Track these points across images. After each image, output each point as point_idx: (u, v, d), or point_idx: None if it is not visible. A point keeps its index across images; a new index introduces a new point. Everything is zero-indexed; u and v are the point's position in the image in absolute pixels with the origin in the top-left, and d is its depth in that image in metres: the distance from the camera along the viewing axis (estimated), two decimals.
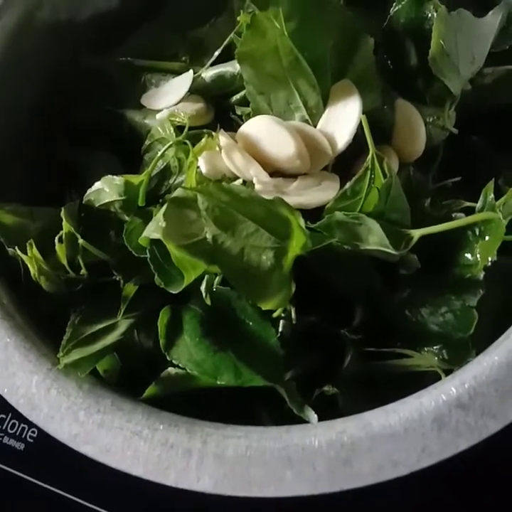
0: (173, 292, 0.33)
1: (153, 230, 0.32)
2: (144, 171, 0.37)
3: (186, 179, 0.37)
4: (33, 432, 0.48)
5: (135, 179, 0.37)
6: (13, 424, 0.49)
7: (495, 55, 0.41)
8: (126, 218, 0.37)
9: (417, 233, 0.33)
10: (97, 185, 0.38)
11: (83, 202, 0.38)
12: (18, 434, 0.48)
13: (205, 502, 0.43)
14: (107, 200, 0.37)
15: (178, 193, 0.35)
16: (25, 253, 0.36)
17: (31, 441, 0.48)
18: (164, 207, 0.33)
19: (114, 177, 0.37)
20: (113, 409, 0.32)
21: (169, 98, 0.42)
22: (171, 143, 0.38)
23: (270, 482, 0.31)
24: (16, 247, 0.36)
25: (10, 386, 0.33)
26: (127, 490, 0.46)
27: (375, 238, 0.32)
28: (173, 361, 0.33)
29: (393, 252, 0.32)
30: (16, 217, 0.37)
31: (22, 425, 0.49)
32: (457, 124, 0.40)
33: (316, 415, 0.33)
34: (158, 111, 0.41)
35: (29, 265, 0.36)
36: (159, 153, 0.38)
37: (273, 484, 0.30)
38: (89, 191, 0.38)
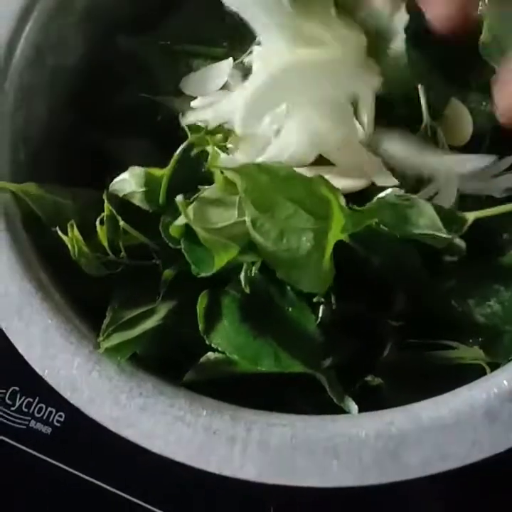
0: (205, 274, 0.33)
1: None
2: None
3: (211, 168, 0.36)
4: (60, 416, 0.48)
5: (157, 172, 0.36)
6: (40, 408, 0.48)
7: None
8: (148, 210, 0.36)
9: (471, 216, 0.32)
10: (123, 175, 0.37)
11: (109, 191, 0.37)
12: (45, 418, 0.48)
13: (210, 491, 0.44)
14: (128, 191, 0.37)
15: (207, 193, 0.35)
16: (66, 234, 0.35)
17: (58, 425, 0.48)
18: (193, 203, 0.34)
19: (136, 168, 0.37)
20: (155, 393, 0.32)
21: (209, 85, 0.41)
22: (194, 137, 0.37)
23: (315, 472, 0.30)
24: (57, 228, 0.35)
25: (51, 368, 0.33)
26: (155, 476, 0.46)
27: (426, 221, 0.31)
28: (213, 345, 0.33)
29: (445, 235, 0.31)
30: (56, 197, 0.37)
31: (49, 409, 0.48)
32: None
33: (356, 406, 0.33)
34: (195, 97, 0.41)
35: (69, 246, 0.35)
36: (181, 147, 0.37)
37: (318, 474, 0.30)
38: (114, 181, 0.37)
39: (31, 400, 0.49)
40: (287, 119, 0.36)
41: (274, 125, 0.37)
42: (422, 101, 0.36)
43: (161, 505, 0.45)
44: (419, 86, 0.36)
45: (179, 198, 0.32)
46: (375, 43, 0.38)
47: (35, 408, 0.49)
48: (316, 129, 0.36)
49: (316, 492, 0.41)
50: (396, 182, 0.36)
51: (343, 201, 0.32)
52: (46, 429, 0.48)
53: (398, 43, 0.37)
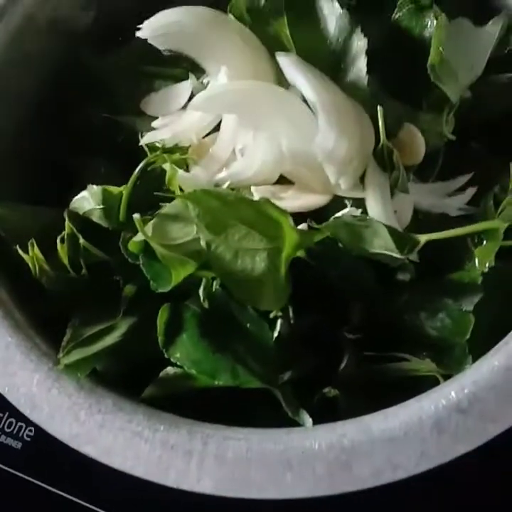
0: (163, 290, 0.34)
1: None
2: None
3: (169, 186, 0.37)
4: (30, 430, 0.48)
5: (115, 189, 0.37)
6: (10, 423, 0.49)
7: (495, 63, 0.42)
8: (107, 227, 0.37)
9: (423, 238, 0.33)
10: (82, 193, 0.38)
11: (69, 208, 0.38)
12: (15, 432, 0.48)
13: (203, 504, 0.44)
14: (87, 208, 0.37)
15: (167, 209, 0.35)
16: (27, 252, 0.36)
17: (28, 439, 0.48)
18: (153, 220, 0.34)
19: (94, 186, 0.37)
20: (114, 409, 0.33)
21: (168, 105, 0.42)
22: (152, 156, 0.37)
23: (270, 484, 0.31)
24: (18, 246, 0.36)
25: (11, 385, 0.33)
26: (125, 490, 0.45)
27: (380, 241, 0.33)
28: (172, 359, 0.34)
29: (398, 256, 0.32)
30: (18, 215, 0.37)
31: (19, 424, 0.49)
32: (456, 131, 0.41)
33: (310, 419, 0.34)
34: (157, 118, 0.42)
35: (30, 264, 0.36)
36: (139, 166, 0.37)
37: (273, 486, 0.31)
38: (74, 199, 0.38)
39: (1, 415, 0.49)
40: (254, 137, 0.37)
41: (239, 145, 0.38)
42: (380, 122, 0.37)
43: None
44: (379, 107, 0.36)
45: (136, 215, 0.33)
46: (335, 64, 0.39)
47: (5, 423, 0.49)
48: (281, 147, 0.37)
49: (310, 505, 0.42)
50: (362, 194, 0.36)
51: (291, 221, 0.32)
52: (16, 444, 0.48)
53: (359, 65, 0.38)
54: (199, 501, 0.42)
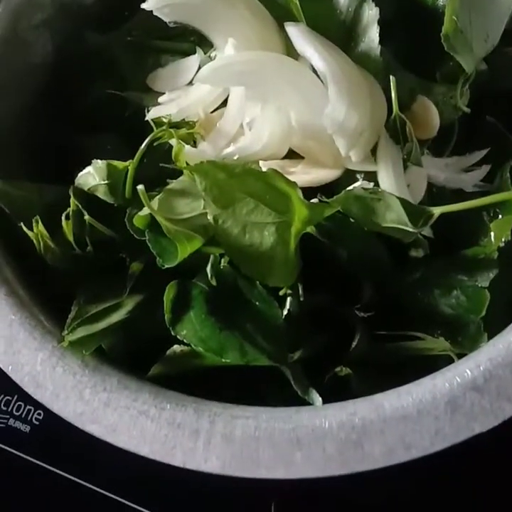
0: (169, 265, 0.33)
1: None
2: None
3: (176, 162, 0.36)
4: (39, 414, 0.48)
5: (120, 164, 0.36)
6: (19, 406, 0.48)
7: (510, 34, 0.40)
8: (112, 203, 0.36)
9: (437, 210, 0.32)
10: (87, 169, 0.37)
11: (74, 185, 0.37)
12: (23, 416, 0.48)
13: (210, 486, 0.43)
14: (92, 184, 0.36)
15: (174, 184, 0.35)
16: (32, 229, 0.35)
17: (37, 423, 0.48)
18: (159, 195, 0.34)
19: (99, 161, 0.36)
20: (119, 387, 0.32)
21: (175, 80, 0.41)
22: (158, 131, 0.37)
23: (279, 464, 0.30)
24: (22, 224, 0.35)
25: (14, 364, 0.33)
26: (133, 473, 0.45)
27: (392, 215, 0.31)
28: (178, 337, 0.33)
29: (411, 229, 0.31)
30: (23, 192, 0.37)
31: (28, 407, 0.48)
32: (472, 103, 0.39)
33: (320, 398, 0.33)
34: (163, 93, 0.41)
35: (35, 241, 0.35)
36: (145, 141, 0.37)
37: (282, 466, 0.30)
38: (79, 175, 0.37)
39: (10, 398, 0.49)
40: (262, 110, 0.36)
41: (247, 118, 0.37)
42: (393, 92, 0.36)
43: (144, 504, 0.45)
44: (391, 77, 0.36)
45: (140, 187, 0.32)
46: (346, 34, 0.38)
47: (13, 406, 0.48)
48: (289, 120, 0.36)
49: (316, 489, 0.42)
50: (374, 167, 0.35)
51: (300, 194, 0.31)
52: (25, 427, 0.48)
53: (371, 35, 0.37)
54: (206, 485, 0.42)
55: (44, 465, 0.47)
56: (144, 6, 0.38)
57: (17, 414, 0.48)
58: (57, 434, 0.47)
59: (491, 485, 0.41)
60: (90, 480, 0.46)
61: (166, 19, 0.38)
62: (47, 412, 0.48)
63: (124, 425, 0.31)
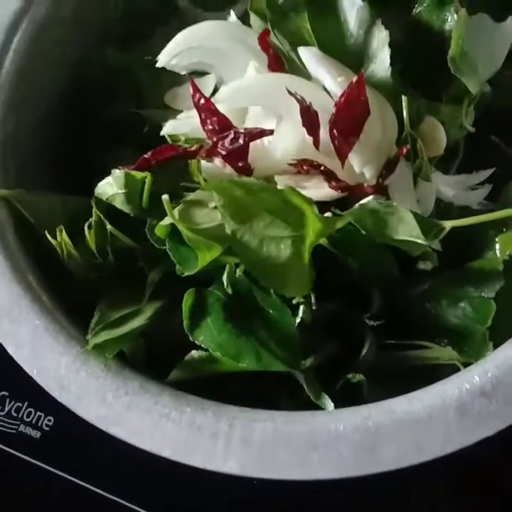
0: (189, 273, 0.34)
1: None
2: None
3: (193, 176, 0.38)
4: (49, 420, 0.49)
5: (137, 174, 0.37)
6: (30, 413, 0.49)
7: None
8: (129, 212, 0.37)
9: (448, 224, 0.33)
10: (106, 179, 0.38)
11: (95, 194, 0.38)
12: (34, 422, 0.49)
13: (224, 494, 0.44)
14: (110, 194, 0.37)
15: (192, 196, 0.36)
16: (55, 238, 0.36)
17: (47, 429, 0.49)
18: (179, 205, 0.35)
19: (117, 170, 0.37)
20: (141, 391, 0.33)
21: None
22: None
23: (296, 465, 0.31)
24: (46, 232, 0.36)
25: (39, 368, 0.34)
26: (143, 479, 0.46)
27: (405, 228, 0.33)
28: (196, 342, 0.34)
29: (423, 242, 0.32)
30: (47, 203, 0.38)
31: (38, 413, 0.49)
32: (477, 124, 0.41)
33: (332, 404, 0.34)
34: (181, 111, 0.42)
35: (58, 250, 0.36)
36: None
37: (299, 467, 0.31)
38: (99, 185, 0.38)
39: (20, 404, 0.49)
40: (276, 127, 0.38)
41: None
42: (404, 111, 0.37)
43: (153, 509, 0.46)
44: (403, 97, 0.37)
45: (165, 196, 0.33)
46: (357, 57, 0.40)
47: (24, 413, 0.49)
48: (303, 137, 0.37)
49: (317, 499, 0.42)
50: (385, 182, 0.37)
51: (315, 209, 0.33)
52: (36, 434, 0.49)
53: (382, 57, 0.39)
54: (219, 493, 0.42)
55: (54, 471, 0.47)
56: (158, 64, 0.41)
57: (27, 420, 0.49)
58: (67, 440, 0.48)
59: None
60: (100, 485, 0.47)
61: (179, 71, 0.41)
62: (57, 418, 0.50)
63: (146, 428, 0.32)
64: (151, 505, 0.46)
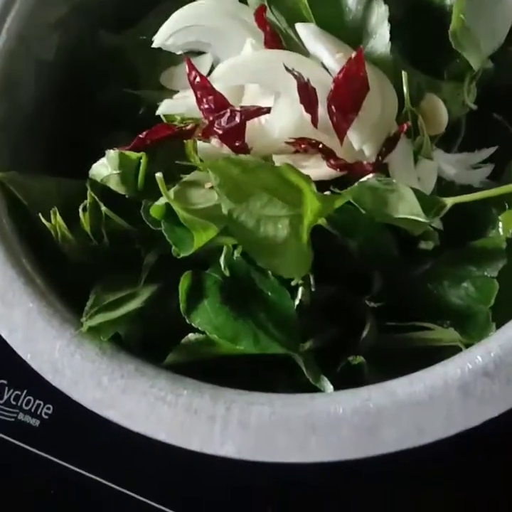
0: (185, 254, 0.34)
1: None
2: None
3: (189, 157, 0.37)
4: (48, 408, 0.48)
5: (132, 154, 0.36)
6: (29, 401, 0.49)
7: None
8: (124, 194, 0.37)
9: (449, 201, 0.33)
10: (101, 160, 0.37)
11: (90, 177, 0.38)
12: (33, 410, 0.48)
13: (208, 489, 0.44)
14: (105, 175, 0.37)
15: (188, 177, 0.35)
16: (50, 221, 0.36)
17: (46, 417, 0.48)
18: (175, 186, 0.34)
19: (111, 151, 0.37)
20: (137, 374, 0.32)
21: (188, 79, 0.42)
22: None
23: (294, 448, 0.30)
24: (40, 215, 0.36)
25: (33, 351, 0.33)
26: (143, 467, 0.46)
27: (405, 206, 0.32)
28: (193, 325, 0.34)
29: (423, 220, 0.32)
30: (41, 185, 0.37)
31: (37, 402, 0.49)
32: (479, 101, 0.40)
33: (331, 386, 0.34)
34: (177, 91, 0.41)
35: (52, 232, 0.36)
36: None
37: (297, 451, 0.30)
38: (93, 166, 0.38)
39: (19, 392, 0.49)
40: (274, 104, 0.37)
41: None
42: (405, 87, 0.37)
43: (152, 497, 0.45)
44: (403, 73, 0.37)
45: (159, 175, 0.33)
46: (356, 33, 0.39)
47: (23, 401, 0.49)
48: (301, 114, 0.36)
49: (313, 492, 0.42)
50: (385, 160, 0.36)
51: (313, 187, 0.32)
52: (34, 422, 0.48)
53: (381, 32, 0.38)
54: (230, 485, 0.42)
55: (53, 459, 0.47)
56: (154, 44, 0.40)
57: (26, 408, 0.49)
58: (67, 428, 0.47)
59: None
60: (99, 473, 0.46)
61: (176, 50, 0.40)
62: (56, 406, 0.50)
63: (142, 411, 0.32)
64: (151, 492, 0.45)
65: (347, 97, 0.35)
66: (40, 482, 0.47)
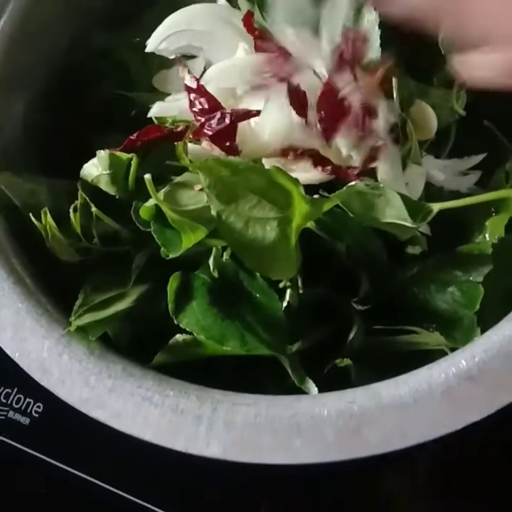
0: (174, 255, 0.34)
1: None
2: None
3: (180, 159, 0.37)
4: (38, 406, 0.49)
5: (123, 155, 0.37)
6: (19, 399, 0.49)
7: None
8: (114, 194, 0.37)
9: (436, 207, 0.33)
10: (92, 160, 0.38)
11: (81, 177, 0.38)
12: (23, 408, 0.49)
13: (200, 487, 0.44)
14: (95, 175, 0.37)
15: (178, 179, 0.36)
16: (41, 221, 0.36)
17: (36, 416, 0.48)
18: (165, 188, 0.34)
19: (102, 151, 0.37)
20: (124, 374, 0.33)
21: (181, 82, 0.41)
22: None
23: (279, 449, 0.31)
24: (31, 214, 0.36)
25: (21, 351, 0.33)
26: (133, 466, 0.46)
27: (392, 211, 0.32)
28: (181, 325, 0.34)
29: (410, 224, 0.32)
30: (32, 185, 0.38)
31: (27, 400, 0.49)
32: (469, 108, 0.41)
33: (316, 388, 0.34)
34: (169, 94, 0.42)
35: (43, 232, 0.36)
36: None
37: (282, 451, 0.31)
38: (84, 166, 0.38)
39: (9, 390, 0.49)
40: (264, 107, 0.37)
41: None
42: (394, 92, 0.37)
43: (142, 496, 0.46)
44: (393, 79, 0.37)
45: (147, 176, 0.33)
46: None
47: (13, 399, 0.49)
48: (291, 117, 0.36)
49: (306, 492, 0.42)
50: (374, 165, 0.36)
51: (302, 190, 0.32)
52: (25, 420, 0.48)
53: (371, 39, 0.38)
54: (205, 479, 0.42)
55: (43, 457, 0.47)
56: (147, 49, 0.41)
57: (17, 406, 0.49)
58: (57, 427, 0.47)
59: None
60: (89, 472, 0.46)
61: (168, 55, 0.40)
62: (46, 404, 0.50)
63: (129, 411, 0.32)
64: (140, 491, 0.46)
65: (335, 104, 0.35)
66: (29, 480, 0.47)
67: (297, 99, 0.35)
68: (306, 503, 0.43)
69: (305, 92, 0.36)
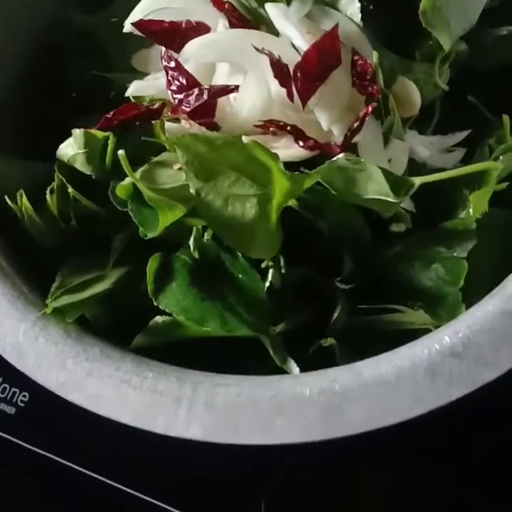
0: (152, 235, 0.33)
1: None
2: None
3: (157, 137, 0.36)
4: (24, 396, 0.48)
5: (98, 133, 0.36)
6: (4, 389, 0.48)
7: (490, 15, 0.41)
8: (90, 174, 0.36)
9: (418, 180, 0.32)
10: (68, 140, 0.37)
11: (57, 158, 0.37)
12: (8, 398, 0.48)
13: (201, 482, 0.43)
14: (71, 154, 0.36)
15: (158, 157, 0.35)
16: (17, 203, 0.35)
17: (22, 405, 0.48)
18: (143, 166, 0.34)
19: (77, 130, 0.36)
20: (102, 357, 0.32)
21: (159, 62, 0.40)
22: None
23: (260, 429, 0.30)
24: (7, 197, 0.35)
25: None
26: (121, 454, 0.45)
27: (374, 186, 0.32)
28: (160, 306, 0.33)
29: (392, 199, 0.31)
30: (8, 168, 0.37)
31: (13, 389, 0.48)
32: (454, 84, 0.40)
33: (298, 368, 0.33)
34: (148, 74, 0.41)
35: (19, 215, 0.35)
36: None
37: (263, 431, 0.30)
38: (60, 146, 0.37)
39: None
40: (243, 81, 0.36)
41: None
42: (375, 66, 0.36)
43: (131, 485, 0.45)
44: (374, 52, 0.36)
45: (121, 152, 0.32)
46: None
47: None
48: (270, 91, 0.36)
49: (307, 488, 0.42)
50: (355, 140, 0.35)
51: (281, 165, 0.32)
52: (10, 410, 0.48)
53: (352, 11, 0.38)
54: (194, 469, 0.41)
55: (29, 447, 0.47)
56: (125, 29, 0.40)
57: (2, 396, 0.48)
58: (43, 416, 0.47)
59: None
60: (76, 461, 0.46)
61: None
62: (32, 394, 0.49)
63: (106, 394, 0.31)
64: (130, 480, 0.45)
65: (315, 66, 0.34)
66: (15, 470, 0.47)
67: (280, 71, 0.35)
68: (307, 500, 0.43)
69: (286, 64, 0.35)
